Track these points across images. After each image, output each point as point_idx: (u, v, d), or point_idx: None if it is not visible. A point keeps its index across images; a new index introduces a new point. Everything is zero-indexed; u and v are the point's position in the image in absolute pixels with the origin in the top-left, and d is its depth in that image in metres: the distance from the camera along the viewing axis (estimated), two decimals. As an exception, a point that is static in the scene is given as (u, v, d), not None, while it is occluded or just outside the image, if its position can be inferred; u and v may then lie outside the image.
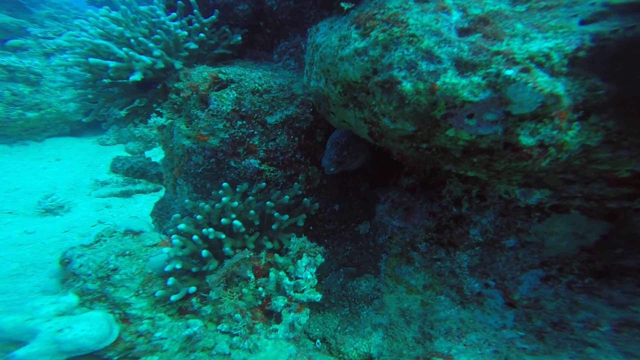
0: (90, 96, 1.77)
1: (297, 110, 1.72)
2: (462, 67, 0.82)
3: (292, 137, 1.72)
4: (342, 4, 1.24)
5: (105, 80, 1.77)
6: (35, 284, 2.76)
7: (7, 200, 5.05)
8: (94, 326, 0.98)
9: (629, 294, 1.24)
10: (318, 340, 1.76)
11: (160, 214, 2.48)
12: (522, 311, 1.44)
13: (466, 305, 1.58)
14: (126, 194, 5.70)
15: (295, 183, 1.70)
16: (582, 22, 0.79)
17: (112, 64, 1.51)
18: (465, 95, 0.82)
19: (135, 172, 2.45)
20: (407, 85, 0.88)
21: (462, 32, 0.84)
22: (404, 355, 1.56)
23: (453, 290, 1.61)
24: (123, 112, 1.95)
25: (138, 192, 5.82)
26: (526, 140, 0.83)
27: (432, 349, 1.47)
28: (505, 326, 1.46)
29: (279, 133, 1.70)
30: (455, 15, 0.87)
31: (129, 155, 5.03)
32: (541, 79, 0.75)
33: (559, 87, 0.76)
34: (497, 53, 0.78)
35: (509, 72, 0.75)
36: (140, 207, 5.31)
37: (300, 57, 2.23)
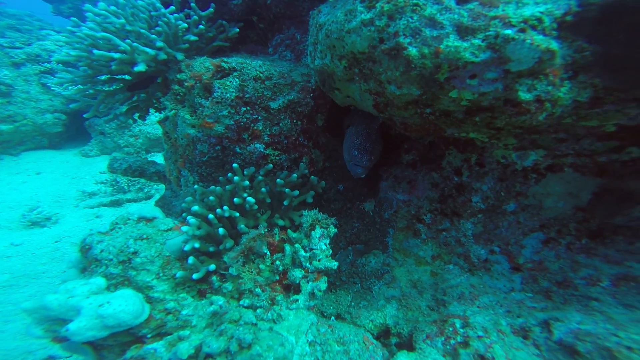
0: (91, 91, 1.76)
1: (298, 95, 1.78)
2: (463, 31, 0.91)
3: (294, 121, 1.78)
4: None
5: (102, 77, 1.77)
6: (29, 294, 2.65)
7: (-12, 215, 4.80)
8: (129, 302, 0.99)
9: (622, 251, 1.35)
10: (333, 317, 1.80)
11: (162, 211, 2.46)
12: (528, 274, 1.51)
13: (474, 272, 1.65)
14: (116, 204, 5.55)
15: (301, 163, 1.75)
16: (569, -11, 0.89)
17: (116, 55, 1.52)
18: (467, 56, 0.91)
19: (134, 170, 2.42)
20: (413, 50, 0.95)
21: (461, 1, 0.92)
22: (420, 322, 1.61)
23: (461, 259, 1.68)
24: (124, 108, 1.94)
25: (129, 201, 5.68)
26: (524, 95, 0.93)
27: (448, 313, 1.54)
28: (514, 289, 1.53)
29: (282, 117, 1.75)
30: (453, -14, 0.95)
31: (125, 155, 4.92)
32: (537, 37, 0.84)
33: (554, 44, 0.86)
34: (495, 17, 0.87)
35: (508, 31, 0.84)
36: (132, 216, 5.16)
37: (295, 48, 2.29)
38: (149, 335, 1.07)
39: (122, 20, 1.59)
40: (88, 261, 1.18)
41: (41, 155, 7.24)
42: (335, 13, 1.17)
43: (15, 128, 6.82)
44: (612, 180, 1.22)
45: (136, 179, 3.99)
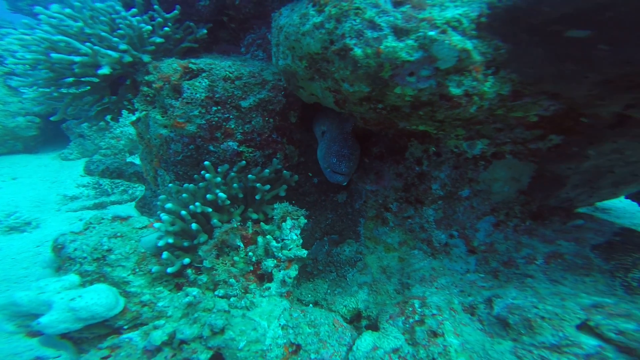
0: (55, 94, 1.75)
1: (269, 93, 1.84)
2: (399, 32, 1.00)
3: (267, 118, 1.84)
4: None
5: (68, 79, 1.76)
6: (12, 300, 2.63)
7: (-39, 223, 4.65)
8: (101, 295, 1.05)
9: (557, 231, 1.51)
10: (311, 305, 1.91)
11: (143, 211, 2.49)
12: (481, 256, 1.65)
13: (436, 255, 1.78)
14: (100, 206, 5.45)
15: (274, 159, 1.83)
16: (480, -7, 0.99)
17: (77, 58, 1.53)
18: (404, 56, 1.00)
19: (112, 172, 2.42)
20: (358, 51, 1.04)
21: (396, 4, 1.01)
22: (387, 304, 1.74)
23: (424, 244, 1.81)
24: (92, 112, 1.95)
25: (113, 203, 5.58)
26: (455, 90, 1.03)
27: (410, 295, 1.67)
28: (469, 270, 1.68)
29: (254, 116, 1.81)
30: (390, -10, 1.03)
31: (102, 157, 4.84)
32: (455, 38, 0.94)
33: (468, 44, 0.96)
34: (423, 19, 0.97)
35: (432, 32, 0.94)
36: (116, 218, 5.10)
37: (267, 48, 2.34)
38: (125, 327, 1.14)
39: (80, 24, 1.58)
40: (62, 260, 1.23)
41: (16, 159, 6.98)
42: (292, 16, 1.24)
43: (-17, 132, 6.51)
44: (543, 165, 1.36)
45: (119, 180, 3.95)
